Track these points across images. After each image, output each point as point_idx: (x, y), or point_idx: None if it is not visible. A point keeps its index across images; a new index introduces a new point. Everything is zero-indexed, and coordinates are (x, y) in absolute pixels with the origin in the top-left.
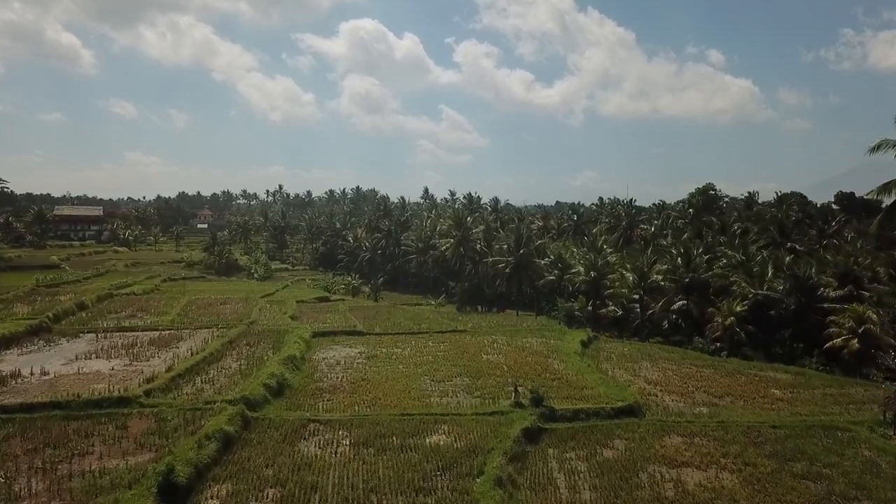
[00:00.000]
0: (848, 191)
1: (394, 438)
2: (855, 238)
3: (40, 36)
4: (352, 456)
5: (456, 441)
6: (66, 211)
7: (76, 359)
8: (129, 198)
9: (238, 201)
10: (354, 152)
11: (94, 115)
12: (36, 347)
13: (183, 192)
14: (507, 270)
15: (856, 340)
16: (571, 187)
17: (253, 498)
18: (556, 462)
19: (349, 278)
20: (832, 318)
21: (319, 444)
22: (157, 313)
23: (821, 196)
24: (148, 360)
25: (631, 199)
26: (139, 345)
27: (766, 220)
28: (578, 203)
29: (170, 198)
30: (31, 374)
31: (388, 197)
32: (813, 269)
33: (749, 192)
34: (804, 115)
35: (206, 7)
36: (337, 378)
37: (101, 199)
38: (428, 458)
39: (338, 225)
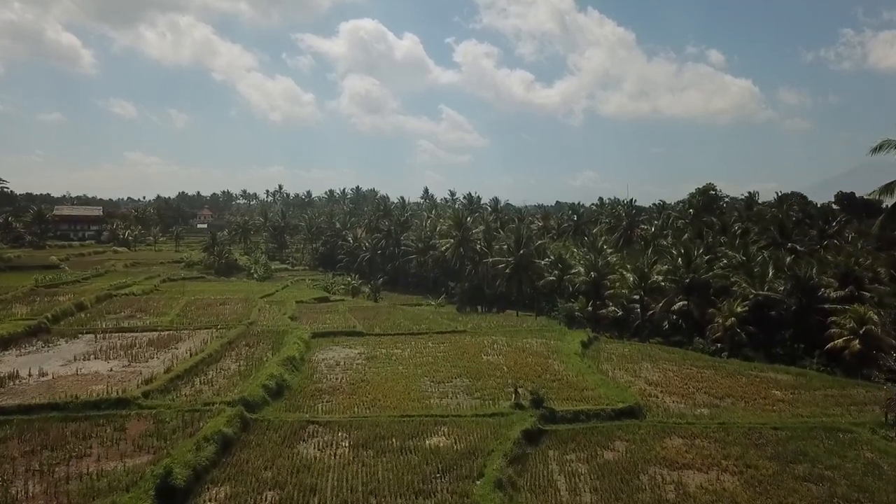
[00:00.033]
0: (848, 191)
1: (393, 440)
2: (856, 238)
3: (40, 36)
4: (351, 458)
5: (456, 443)
6: (65, 211)
7: (74, 360)
8: (128, 198)
9: (238, 201)
10: (354, 152)
11: (94, 115)
12: (34, 348)
13: (183, 192)
14: (507, 271)
15: (857, 341)
16: (571, 187)
17: (251, 501)
18: (556, 464)
19: (349, 278)
20: (833, 318)
21: (319, 445)
22: (157, 314)
23: (821, 196)
24: (147, 361)
25: (631, 200)
26: (138, 346)
27: (766, 220)
28: (578, 203)
29: (170, 198)
30: (30, 375)
31: (387, 197)
32: (814, 270)
33: (749, 193)
34: (804, 115)
35: (206, 7)
36: (336, 379)
37: (100, 199)
38: (428, 460)
39: (338, 225)
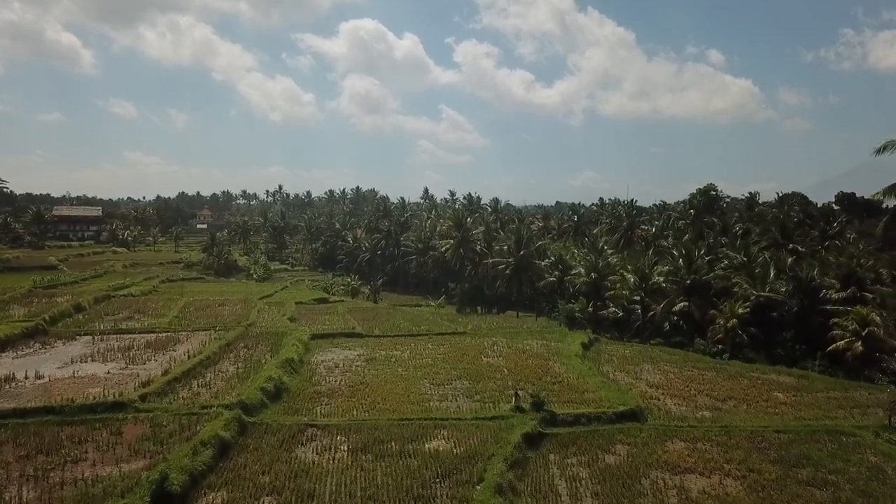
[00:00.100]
0: (848, 191)
1: (392, 444)
2: (857, 239)
3: (40, 36)
4: (350, 462)
5: (455, 447)
6: (64, 211)
7: (72, 362)
8: (128, 198)
9: (238, 201)
10: (354, 152)
11: (94, 115)
12: (31, 350)
13: (183, 193)
14: (508, 272)
15: (859, 343)
16: (571, 187)
17: None
18: (557, 468)
19: (348, 279)
20: (835, 320)
21: (317, 449)
22: (155, 315)
23: (821, 196)
24: (144, 364)
25: (632, 200)
26: (136, 347)
27: (767, 220)
28: (579, 203)
29: (169, 198)
30: (26, 377)
31: (387, 197)
32: (815, 271)
33: (750, 193)
34: (804, 115)
35: (206, 7)
36: (335, 381)
37: (100, 200)
38: (427, 465)
39: (337, 225)
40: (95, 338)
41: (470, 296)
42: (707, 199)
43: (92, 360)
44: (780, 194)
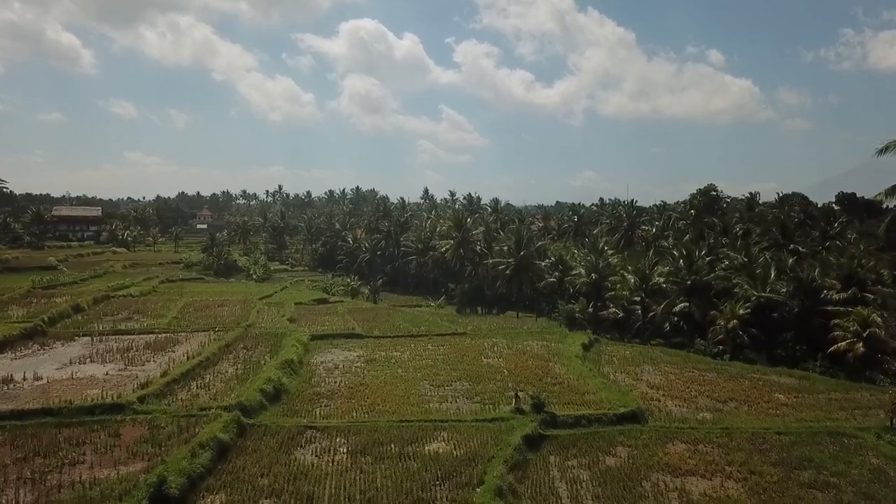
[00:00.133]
0: (848, 191)
1: (392, 446)
2: (857, 239)
3: (40, 36)
4: (349, 465)
5: (455, 449)
6: (64, 211)
7: (70, 363)
8: (128, 198)
9: (238, 201)
10: (354, 152)
11: (94, 115)
12: (30, 351)
13: (183, 193)
14: (508, 272)
15: (861, 344)
16: (571, 187)
17: None
18: (557, 470)
19: (348, 279)
20: (836, 321)
21: (316, 451)
22: (154, 316)
23: (821, 196)
24: (143, 365)
25: (632, 200)
26: (135, 348)
27: (768, 221)
28: (579, 204)
29: (169, 198)
30: (24, 379)
31: (387, 197)
32: (816, 272)
33: (750, 193)
34: (804, 115)
35: (206, 7)
36: (335, 383)
37: (100, 200)
38: (427, 467)
39: (337, 226)
40: (94, 339)
41: (470, 296)
42: (707, 200)
43: (91, 362)
44: (781, 194)
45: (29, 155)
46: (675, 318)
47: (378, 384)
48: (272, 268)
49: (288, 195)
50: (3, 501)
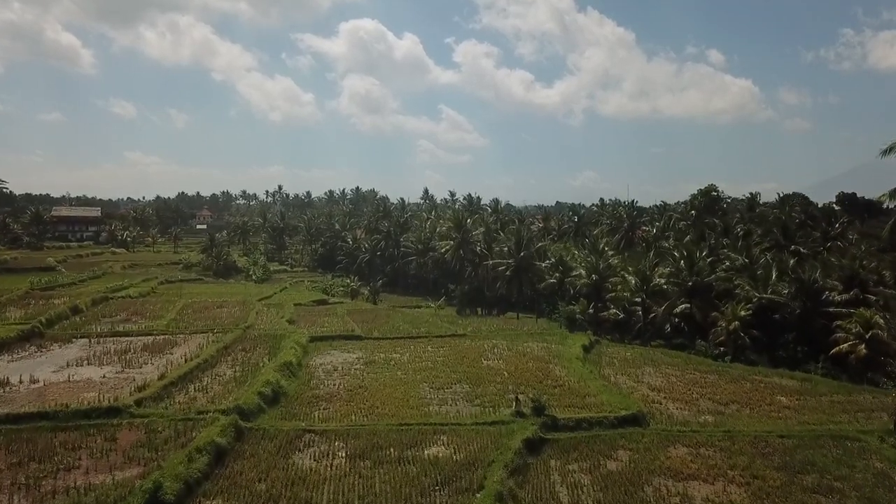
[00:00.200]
0: (848, 191)
1: (391, 450)
2: (859, 240)
3: (40, 36)
4: (348, 469)
5: (455, 453)
6: (63, 212)
7: (67, 366)
8: (128, 198)
9: (237, 202)
10: (354, 152)
11: (94, 114)
12: (27, 353)
13: (182, 193)
14: (508, 273)
15: (863, 346)
16: (571, 187)
17: None
18: (558, 475)
19: (348, 280)
20: (839, 323)
21: (314, 456)
22: (153, 317)
23: (821, 196)
24: (140, 367)
25: (632, 201)
26: (132, 350)
27: (769, 222)
28: (579, 204)
29: (169, 198)
30: (20, 382)
31: (387, 198)
32: (817, 273)
33: (751, 193)
34: (804, 115)
35: (205, 7)
36: (334, 385)
37: (100, 200)
38: (426, 472)
39: (337, 226)
40: (92, 341)
41: (470, 297)
42: (708, 200)
43: (88, 364)
44: (781, 195)
45: (29, 155)
46: (676, 320)
47: (377, 387)
48: (272, 268)
49: (288, 195)
50: None
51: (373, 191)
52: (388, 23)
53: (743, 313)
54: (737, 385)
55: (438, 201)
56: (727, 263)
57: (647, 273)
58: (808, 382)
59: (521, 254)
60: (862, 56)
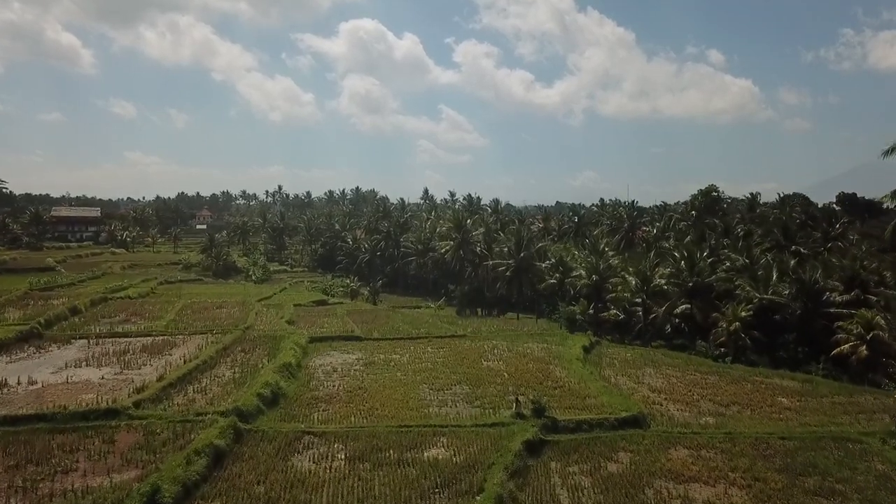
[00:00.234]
0: (848, 191)
1: (391, 452)
2: (860, 240)
3: (40, 36)
4: (347, 471)
5: (455, 455)
6: (63, 212)
7: (66, 367)
8: (128, 198)
9: (237, 202)
10: (354, 152)
11: (94, 114)
12: (25, 355)
13: (182, 193)
14: (508, 273)
15: (864, 347)
16: (571, 187)
17: None
18: (558, 477)
19: (348, 280)
20: (840, 323)
21: (314, 458)
22: (152, 318)
23: (821, 196)
24: (139, 369)
25: (633, 201)
26: (131, 352)
27: (769, 222)
28: (579, 204)
29: (169, 198)
30: (19, 383)
31: (387, 198)
32: (818, 273)
33: (751, 194)
34: (804, 115)
35: (205, 7)
36: (333, 386)
37: (100, 200)
38: (426, 474)
39: (337, 226)
40: (91, 341)
41: (470, 298)
42: (708, 201)
43: (86, 365)
44: (782, 195)
45: (29, 155)
46: (677, 320)
47: (377, 388)
48: (271, 269)
49: (287, 195)
50: None
51: (373, 191)
52: (388, 23)
53: (743, 314)
54: (738, 386)
55: (438, 201)
56: (728, 264)
57: (648, 273)
58: (809, 384)
59: (522, 254)
60: (862, 56)
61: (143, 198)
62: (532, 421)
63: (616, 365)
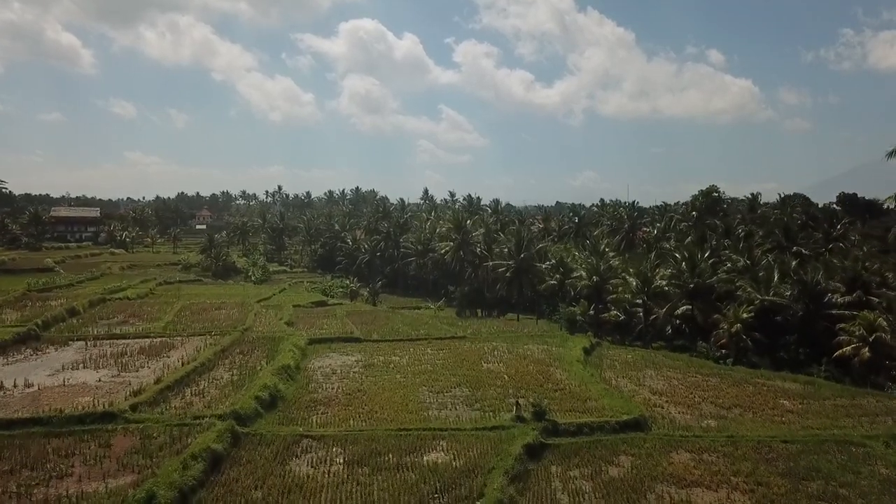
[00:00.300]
0: (848, 191)
1: (390, 456)
2: (861, 241)
3: (40, 36)
4: (345, 476)
5: (455, 459)
6: (62, 212)
7: (63, 369)
8: (128, 198)
9: (237, 202)
10: (354, 152)
11: (94, 114)
12: (22, 356)
13: (182, 193)
14: (508, 274)
15: (867, 349)
16: (571, 187)
17: None
18: (559, 481)
19: (347, 281)
20: (842, 325)
21: (312, 462)
22: (150, 319)
23: (821, 196)
24: (137, 371)
25: (633, 202)
26: (129, 353)
27: (770, 223)
28: (580, 204)
29: (169, 198)
30: (15, 386)
31: (387, 198)
32: (820, 275)
33: (752, 194)
34: (804, 115)
35: (205, 7)
36: (332, 389)
37: (100, 200)
38: (425, 479)
39: (336, 226)
40: (88, 343)
41: (470, 298)
42: (709, 201)
43: (84, 368)
44: (782, 195)
45: (29, 155)
46: (678, 321)
47: (376, 390)
48: (271, 269)
49: (287, 196)
50: None
51: (373, 191)
52: (388, 23)
53: (745, 315)
54: (739, 388)
55: (438, 202)
56: (728, 265)
57: (648, 274)
58: (812, 386)
59: (522, 255)
60: (862, 56)
61: (143, 198)
62: (532, 424)
63: (617, 367)
